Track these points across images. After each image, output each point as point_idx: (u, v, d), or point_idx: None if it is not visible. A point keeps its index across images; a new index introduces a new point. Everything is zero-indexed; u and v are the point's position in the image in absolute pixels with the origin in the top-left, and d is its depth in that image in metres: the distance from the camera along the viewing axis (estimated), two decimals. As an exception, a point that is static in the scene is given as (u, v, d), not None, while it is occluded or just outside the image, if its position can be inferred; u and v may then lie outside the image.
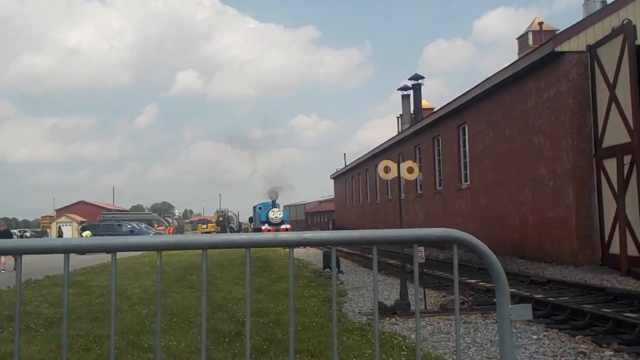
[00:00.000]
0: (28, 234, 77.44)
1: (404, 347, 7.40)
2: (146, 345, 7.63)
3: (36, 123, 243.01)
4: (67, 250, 2.21)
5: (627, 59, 15.92)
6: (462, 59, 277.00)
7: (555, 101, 18.68)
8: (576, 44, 17.99)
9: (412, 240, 2.62)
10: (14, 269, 2.35)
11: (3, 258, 23.25)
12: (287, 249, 2.52)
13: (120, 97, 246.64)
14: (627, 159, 16.05)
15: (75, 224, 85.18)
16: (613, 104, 16.60)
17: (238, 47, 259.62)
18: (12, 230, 42.21)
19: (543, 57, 18.74)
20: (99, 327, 8.96)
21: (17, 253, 2.28)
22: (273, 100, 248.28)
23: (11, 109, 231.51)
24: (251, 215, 49.58)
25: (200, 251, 2.36)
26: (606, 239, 17.04)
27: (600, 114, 17.34)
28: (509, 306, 2.54)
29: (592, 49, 17.74)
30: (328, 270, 17.62)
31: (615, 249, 16.47)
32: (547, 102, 19.18)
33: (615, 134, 16.53)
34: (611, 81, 16.69)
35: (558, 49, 17.96)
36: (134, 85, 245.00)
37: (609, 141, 16.96)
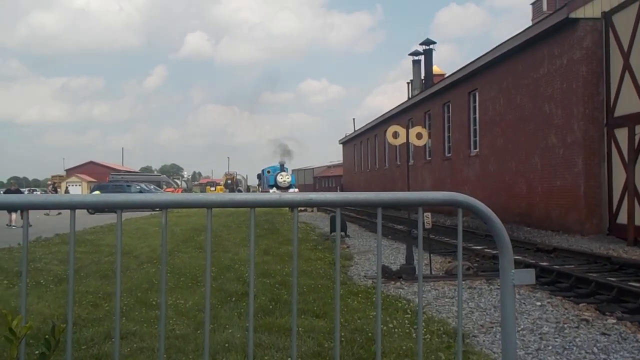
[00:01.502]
0: (38, 193, 78.22)
1: (408, 310, 7.48)
2: (154, 302, 7.77)
3: (46, 83, 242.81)
4: (72, 206, 2.22)
5: (644, 26, 15.64)
6: (475, 25, 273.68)
7: (568, 69, 18.42)
8: (591, 10, 17.63)
9: (418, 204, 2.60)
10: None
11: (13, 215, 23.63)
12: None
13: (128, 59, 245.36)
14: (638, 128, 15.88)
15: (84, 184, 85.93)
16: (627, 73, 16.36)
17: (248, 9, 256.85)
18: (22, 190, 42.66)
19: (557, 24, 18.42)
20: (108, 284, 9.11)
21: (24, 208, 2.30)
22: (282, 64, 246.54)
23: (22, 69, 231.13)
24: (259, 173, 49.67)
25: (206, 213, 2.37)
26: (614, 208, 16.99)
27: (613, 83, 17.11)
28: (512, 270, 2.55)
29: (607, 16, 17.40)
30: (335, 234, 17.72)
31: (623, 218, 16.44)
32: (560, 70, 18.93)
33: (628, 103, 16.33)
34: (625, 49, 16.42)
35: (572, 15, 17.63)
36: (142, 47, 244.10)
37: (621, 110, 16.77)
